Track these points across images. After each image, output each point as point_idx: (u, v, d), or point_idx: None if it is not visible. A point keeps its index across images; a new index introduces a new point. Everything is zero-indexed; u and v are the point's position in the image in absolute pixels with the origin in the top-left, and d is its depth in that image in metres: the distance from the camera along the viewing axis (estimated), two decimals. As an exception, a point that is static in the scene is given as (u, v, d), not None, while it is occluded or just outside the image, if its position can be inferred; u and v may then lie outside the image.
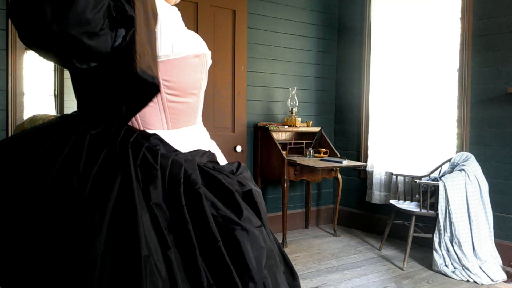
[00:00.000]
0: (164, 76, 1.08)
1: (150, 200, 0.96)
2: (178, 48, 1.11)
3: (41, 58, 0.95)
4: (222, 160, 1.25)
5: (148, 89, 0.99)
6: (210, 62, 1.29)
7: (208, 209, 1.01)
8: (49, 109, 6.90)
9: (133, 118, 1.10)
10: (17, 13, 0.88)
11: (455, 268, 3.43)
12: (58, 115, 2.71)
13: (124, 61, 0.95)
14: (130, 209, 0.92)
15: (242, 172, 1.18)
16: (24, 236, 0.91)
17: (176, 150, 1.08)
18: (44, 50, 0.92)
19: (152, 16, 1.02)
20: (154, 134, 1.08)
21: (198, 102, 1.24)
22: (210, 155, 1.16)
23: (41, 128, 1.06)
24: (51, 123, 1.09)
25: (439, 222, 3.51)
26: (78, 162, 0.95)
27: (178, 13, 1.23)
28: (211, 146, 1.28)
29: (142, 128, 1.12)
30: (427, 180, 3.86)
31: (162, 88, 1.09)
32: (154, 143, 1.05)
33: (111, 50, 0.94)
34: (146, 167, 0.99)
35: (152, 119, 1.12)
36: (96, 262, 0.87)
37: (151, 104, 1.06)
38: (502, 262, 3.57)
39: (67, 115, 1.13)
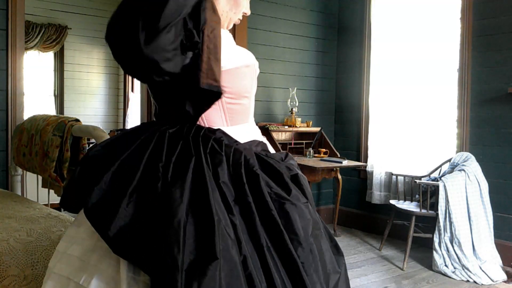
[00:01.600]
0: (222, 83, 1.34)
1: (219, 179, 1.22)
2: (231, 60, 1.38)
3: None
4: (272, 151, 1.49)
5: (213, 95, 1.28)
6: (258, 70, 1.54)
7: (263, 186, 1.26)
8: (49, 109, 6.91)
9: (200, 118, 1.37)
10: (116, 40, 1.19)
11: (455, 268, 3.43)
12: (58, 115, 2.71)
13: (191, 76, 1.24)
14: (203, 186, 1.18)
15: (289, 160, 1.43)
16: (128, 204, 1.18)
17: (236, 141, 1.35)
18: (133, 68, 1.22)
19: (219, 38, 1.32)
20: (219, 129, 1.35)
21: (250, 104, 1.49)
22: (263, 145, 1.44)
23: (132, 131, 1.39)
24: (138, 127, 1.41)
25: (439, 222, 3.51)
26: (162, 152, 1.25)
27: (230, 34, 1.51)
28: (263, 140, 1.51)
29: (207, 126, 1.38)
30: (427, 180, 3.85)
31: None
32: (219, 135, 1.32)
33: (181, 68, 1.23)
34: (214, 154, 1.27)
35: (214, 118, 1.39)
36: (180, 225, 1.11)
37: (213, 106, 1.34)
38: (502, 262, 3.57)
39: (149, 122, 1.45)
